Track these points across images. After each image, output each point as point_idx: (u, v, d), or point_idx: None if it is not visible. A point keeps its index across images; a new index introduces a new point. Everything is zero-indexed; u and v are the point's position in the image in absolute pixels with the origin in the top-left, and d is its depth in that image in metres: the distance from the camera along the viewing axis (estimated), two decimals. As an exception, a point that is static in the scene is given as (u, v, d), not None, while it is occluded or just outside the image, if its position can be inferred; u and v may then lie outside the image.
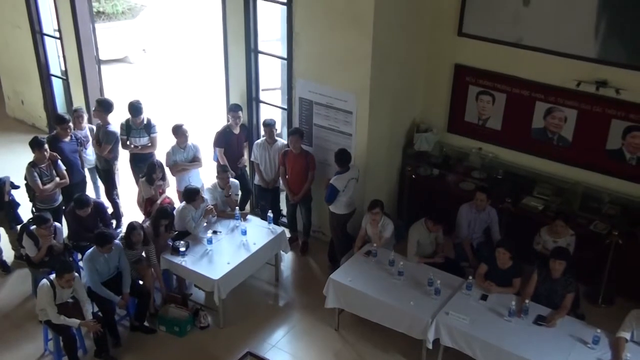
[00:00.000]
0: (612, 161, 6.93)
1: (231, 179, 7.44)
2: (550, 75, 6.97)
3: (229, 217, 7.31)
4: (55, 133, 7.71)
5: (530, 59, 7.01)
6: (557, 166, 7.27)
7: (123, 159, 8.30)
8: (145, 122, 7.95)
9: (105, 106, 8.06)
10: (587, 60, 6.69)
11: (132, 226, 6.57)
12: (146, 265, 6.68)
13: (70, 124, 7.72)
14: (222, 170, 7.33)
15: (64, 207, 7.41)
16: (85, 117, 8.21)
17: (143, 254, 6.70)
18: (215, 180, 7.42)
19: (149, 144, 7.99)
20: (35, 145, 7.16)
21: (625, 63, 6.52)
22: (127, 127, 7.94)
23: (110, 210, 7.83)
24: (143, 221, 7.32)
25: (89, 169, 8.25)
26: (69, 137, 7.69)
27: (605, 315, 6.64)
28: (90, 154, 8.13)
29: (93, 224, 6.90)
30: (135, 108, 7.90)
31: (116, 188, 8.30)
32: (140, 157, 7.97)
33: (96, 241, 6.23)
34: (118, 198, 8.31)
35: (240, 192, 7.70)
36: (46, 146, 7.21)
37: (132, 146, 7.95)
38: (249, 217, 7.43)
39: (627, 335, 5.66)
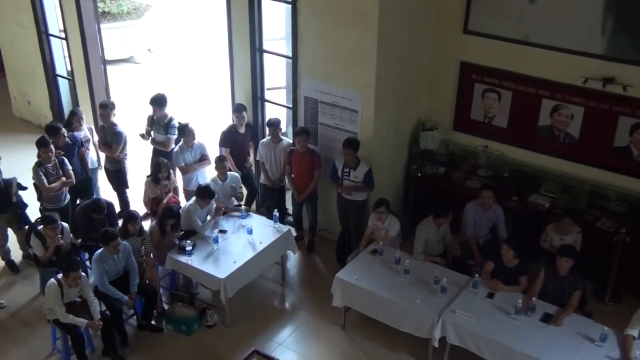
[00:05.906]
0: (619, 158, 6.88)
1: (231, 172, 7.47)
2: (557, 73, 6.93)
3: (233, 212, 7.34)
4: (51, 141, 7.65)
5: (536, 56, 6.97)
6: (564, 164, 7.23)
7: (133, 157, 8.38)
8: (167, 119, 8.03)
9: (110, 106, 8.09)
10: (594, 56, 6.65)
11: (134, 216, 6.62)
12: (138, 255, 6.67)
13: (64, 131, 7.69)
14: (218, 160, 7.37)
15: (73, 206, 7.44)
16: (84, 117, 8.23)
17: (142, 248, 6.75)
18: (215, 174, 7.44)
19: (164, 143, 8.04)
20: (41, 145, 7.18)
21: (632, 59, 6.47)
22: (152, 120, 8.10)
23: (118, 209, 7.83)
24: (148, 219, 7.36)
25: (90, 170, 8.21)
26: (63, 144, 7.65)
27: (612, 313, 6.62)
28: (92, 156, 8.15)
29: (102, 224, 6.92)
30: (157, 100, 7.97)
31: (127, 187, 8.35)
32: (158, 152, 8.08)
33: (101, 239, 6.26)
34: (128, 198, 8.34)
35: (244, 187, 7.73)
36: (52, 146, 7.23)
37: (150, 138, 8.12)
38: (253, 214, 7.47)
39: (635, 333, 5.64)
